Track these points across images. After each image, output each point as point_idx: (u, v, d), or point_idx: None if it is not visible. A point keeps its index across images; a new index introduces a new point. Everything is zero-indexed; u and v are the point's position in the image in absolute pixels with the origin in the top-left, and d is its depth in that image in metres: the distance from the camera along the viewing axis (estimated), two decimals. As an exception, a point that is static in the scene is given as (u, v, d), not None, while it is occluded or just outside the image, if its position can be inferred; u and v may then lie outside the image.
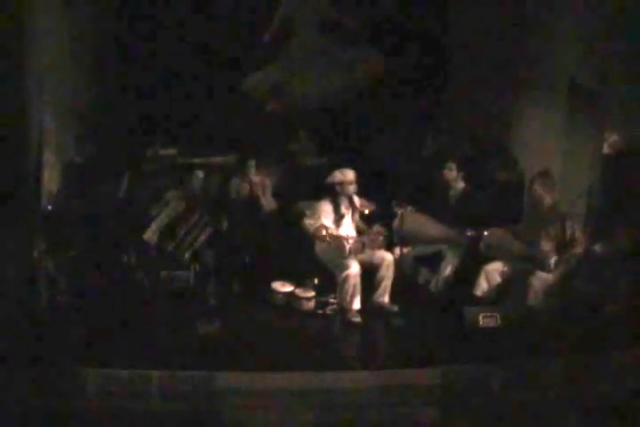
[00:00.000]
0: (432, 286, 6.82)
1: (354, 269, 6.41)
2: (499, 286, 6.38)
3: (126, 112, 8.56)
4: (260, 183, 7.66)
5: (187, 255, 6.69)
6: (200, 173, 7.37)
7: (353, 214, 6.78)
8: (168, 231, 6.82)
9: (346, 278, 6.41)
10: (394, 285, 6.62)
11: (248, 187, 7.67)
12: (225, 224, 7.15)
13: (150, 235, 6.73)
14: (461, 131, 8.80)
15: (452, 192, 7.12)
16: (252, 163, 7.66)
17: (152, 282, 6.60)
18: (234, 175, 7.81)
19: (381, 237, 6.61)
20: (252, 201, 7.62)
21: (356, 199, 6.82)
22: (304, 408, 5.32)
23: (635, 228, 6.48)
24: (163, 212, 6.87)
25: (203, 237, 6.77)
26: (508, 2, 8.24)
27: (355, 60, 8.93)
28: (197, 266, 6.78)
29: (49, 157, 7.33)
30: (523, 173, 7.89)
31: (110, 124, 8.40)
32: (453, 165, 7.05)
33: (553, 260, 6.20)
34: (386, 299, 6.63)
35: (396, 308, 6.60)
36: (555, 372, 5.56)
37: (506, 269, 6.39)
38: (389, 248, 6.75)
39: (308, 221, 6.63)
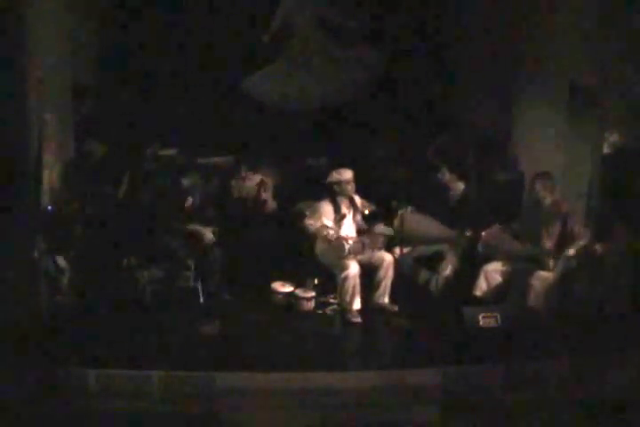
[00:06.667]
0: (432, 286, 6.82)
1: (353, 269, 6.41)
2: (499, 286, 6.39)
3: (126, 112, 8.55)
4: (260, 183, 7.65)
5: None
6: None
7: (354, 215, 6.78)
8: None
9: (345, 279, 6.42)
10: (394, 285, 6.62)
11: (248, 187, 7.67)
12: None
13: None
14: (462, 131, 8.79)
15: (451, 192, 7.13)
16: (245, 167, 7.67)
17: (152, 282, 6.60)
18: (234, 176, 7.81)
19: (381, 238, 6.62)
20: (253, 201, 7.62)
21: (358, 199, 6.82)
22: (304, 408, 5.32)
23: (635, 228, 6.49)
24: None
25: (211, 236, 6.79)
26: (508, 2, 8.24)
27: (355, 60, 8.92)
28: (197, 266, 6.78)
29: (49, 157, 7.31)
30: (523, 173, 7.89)
31: (110, 124, 8.39)
32: (445, 170, 7.09)
33: (553, 259, 6.21)
34: (386, 299, 6.64)
35: (396, 308, 6.61)
36: (555, 372, 5.56)
37: (506, 269, 6.40)
38: (389, 248, 6.75)
39: (308, 222, 6.65)
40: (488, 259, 6.52)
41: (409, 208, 6.81)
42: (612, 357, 5.68)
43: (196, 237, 6.81)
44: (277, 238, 7.41)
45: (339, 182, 6.67)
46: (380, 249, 6.64)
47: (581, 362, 5.62)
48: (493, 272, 6.41)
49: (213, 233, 6.84)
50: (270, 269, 7.10)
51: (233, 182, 7.78)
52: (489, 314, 5.83)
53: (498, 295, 6.37)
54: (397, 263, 6.64)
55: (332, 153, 8.52)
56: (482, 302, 6.28)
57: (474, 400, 5.44)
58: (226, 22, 8.84)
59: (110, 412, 5.28)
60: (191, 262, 6.75)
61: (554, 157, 7.39)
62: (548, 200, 6.39)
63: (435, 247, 6.94)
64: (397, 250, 6.77)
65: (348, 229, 6.73)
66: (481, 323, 5.80)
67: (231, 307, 6.67)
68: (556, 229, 6.29)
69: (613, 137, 7.15)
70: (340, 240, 6.50)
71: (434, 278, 6.83)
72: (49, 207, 7.08)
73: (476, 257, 6.60)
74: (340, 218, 6.68)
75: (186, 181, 7.07)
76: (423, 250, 6.98)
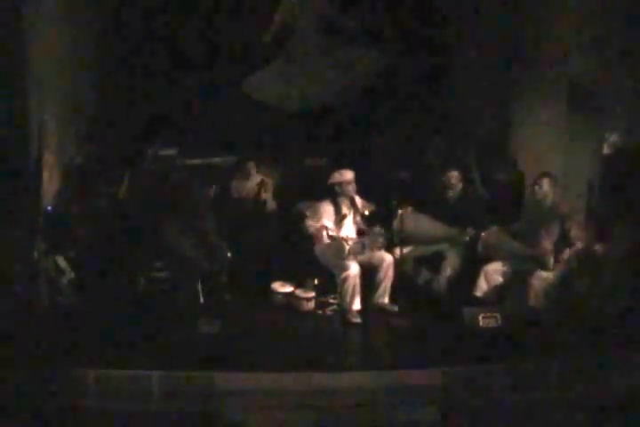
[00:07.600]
0: (432, 287, 6.82)
1: (353, 270, 6.41)
2: (499, 286, 6.39)
3: (127, 112, 8.55)
4: (260, 183, 7.65)
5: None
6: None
7: (354, 215, 6.77)
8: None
9: (345, 279, 6.41)
10: (394, 285, 6.62)
11: (248, 187, 7.67)
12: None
13: None
14: (462, 131, 8.79)
15: (451, 192, 7.13)
16: (252, 164, 7.67)
17: (153, 282, 6.60)
18: (234, 176, 7.81)
19: (381, 238, 6.61)
20: (253, 201, 7.62)
21: (358, 200, 6.81)
22: (304, 408, 5.32)
23: (635, 228, 6.49)
24: None
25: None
26: (508, 2, 8.24)
27: (355, 60, 8.91)
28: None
29: (49, 157, 7.32)
30: (523, 173, 7.89)
31: (110, 123, 8.39)
32: (456, 173, 7.08)
33: (553, 259, 6.21)
34: (386, 299, 6.64)
35: (396, 308, 6.61)
36: (555, 372, 5.56)
37: (506, 269, 6.40)
38: (389, 249, 6.75)
39: (309, 222, 6.64)
40: (488, 259, 6.51)
41: (409, 208, 6.81)
42: (613, 357, 5.68)
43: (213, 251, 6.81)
44: (277, 238, 7.40)
45: (340, 183, 6.67)
46: (379, 249, 6.64)
47: (581, 362, 5.62)
48: (493, 272, 6.41)
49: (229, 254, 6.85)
50: (270, 269, 7.10)
51: (233, 182, 7.78)
52: (489, 314, 5.82)
53: (498, 295, 6.37)
54: (397, 264, 6.63)
55: (332, 153, 8.53)
56: (482, 302, 6.27)
57: (474, 400, 5.44)
58: (226, 22, 8.85)
59: (110, 412, 5.28)
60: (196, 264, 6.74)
61: (554, 157, 7.40)
62: (548, 200, 6.40)
63: (435, 247, 6.94)
64: (397, 250, 6.77)
65: (349, 229, 6.72)
66: (481, 323, 5.79)
67: (231, 307, 6.67)
68: (555, 229, 6.29)
69: (613, 137, 7.15)
70: (340, 241, 6.49)
71: (434, 279, 6.83)
72: (49, 207, 7.09)
73: (476, 257, 6.60)
74: (340, 219, 6.67)
75: (210, 192, 7.10)
76: (423, 250, 6.98)
